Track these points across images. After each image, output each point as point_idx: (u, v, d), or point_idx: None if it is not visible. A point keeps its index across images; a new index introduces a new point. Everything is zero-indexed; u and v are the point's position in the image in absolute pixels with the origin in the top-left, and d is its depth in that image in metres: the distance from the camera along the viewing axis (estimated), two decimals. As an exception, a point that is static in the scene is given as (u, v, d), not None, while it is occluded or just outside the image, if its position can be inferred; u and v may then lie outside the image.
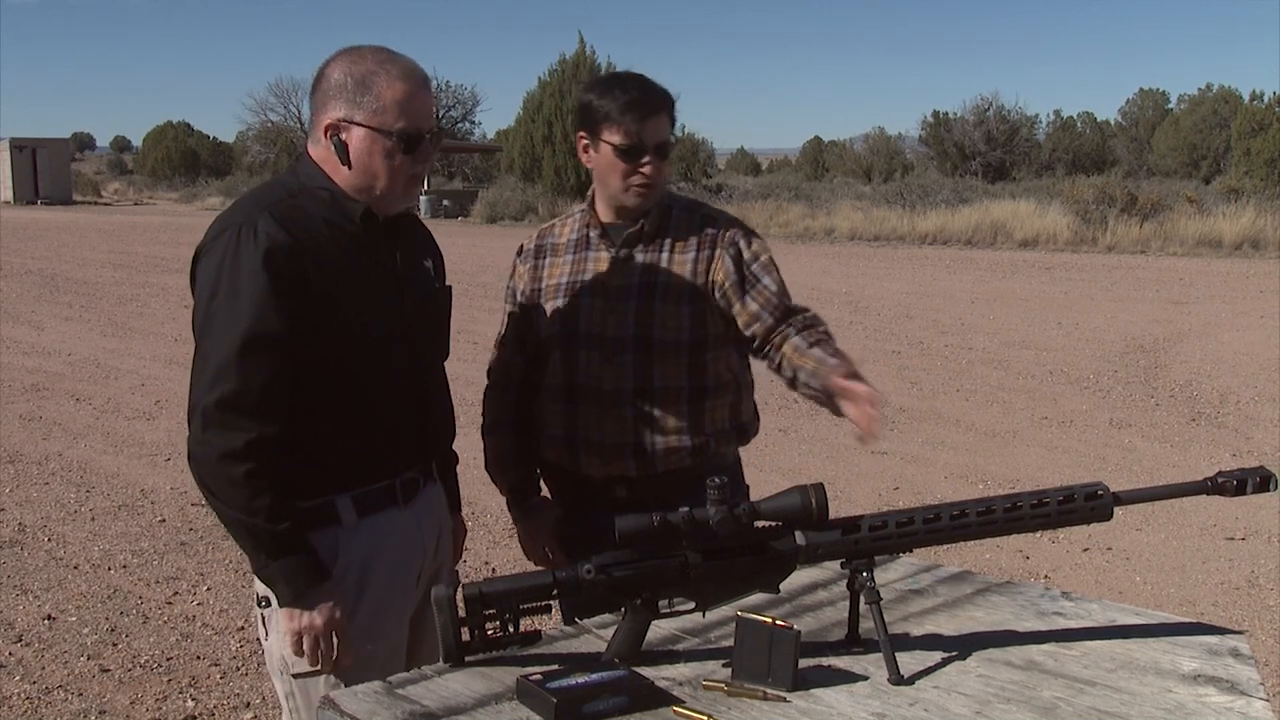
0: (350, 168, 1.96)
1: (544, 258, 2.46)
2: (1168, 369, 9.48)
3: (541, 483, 2.52)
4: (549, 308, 2.40)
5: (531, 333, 2.44)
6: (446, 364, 2.24)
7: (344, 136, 1.95)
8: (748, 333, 2.31)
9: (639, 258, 2.35)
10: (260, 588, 2.03)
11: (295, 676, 1.99)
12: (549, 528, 2.45)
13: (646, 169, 2.29)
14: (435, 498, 2.19)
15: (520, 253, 2.52)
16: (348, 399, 1.97)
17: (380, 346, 2.00)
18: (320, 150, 1.99)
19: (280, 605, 1.93)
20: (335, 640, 1.93)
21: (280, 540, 1.87)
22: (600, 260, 2.37)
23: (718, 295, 2.33)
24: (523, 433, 2.47)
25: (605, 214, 2.39)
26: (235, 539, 1.94)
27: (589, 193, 2.43)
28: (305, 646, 1.92)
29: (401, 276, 2.06)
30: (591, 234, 2.40)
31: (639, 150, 2.28)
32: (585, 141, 2.36)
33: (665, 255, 2.35)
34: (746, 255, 2.35)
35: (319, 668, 1.95)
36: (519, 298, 2.48)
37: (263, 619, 2.03)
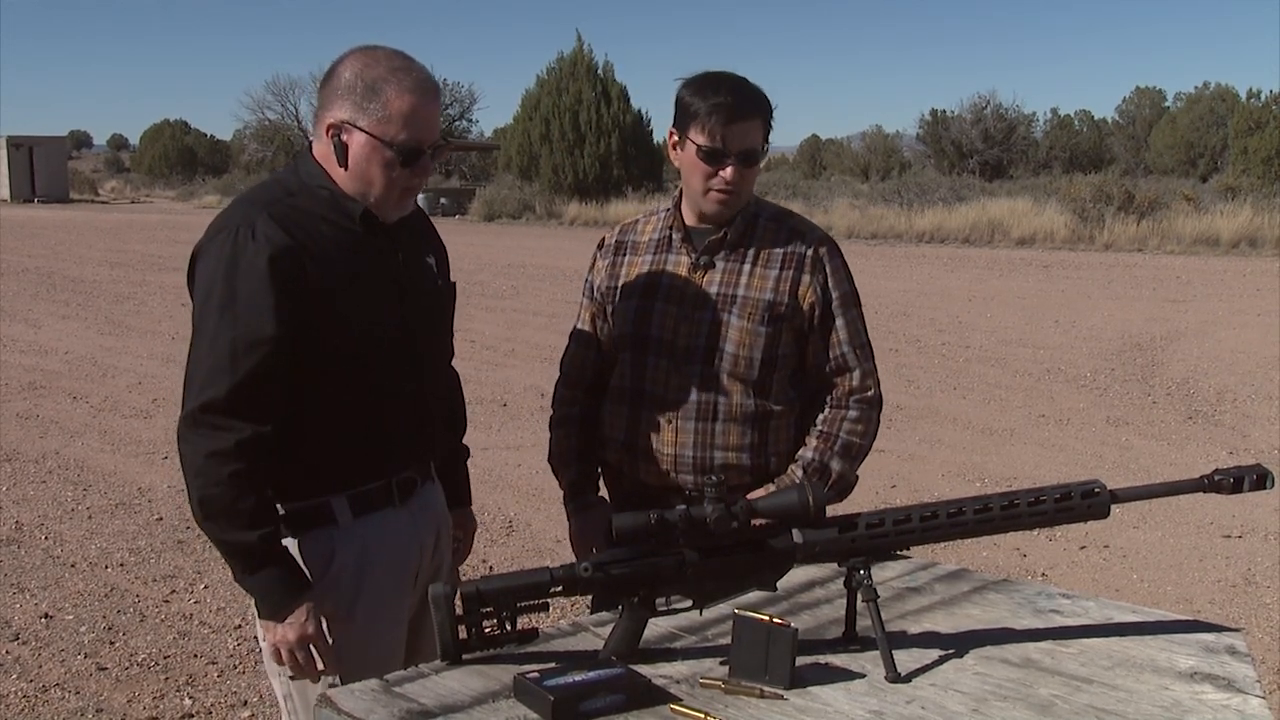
0: (347, 170, 1.95)
1: (624, 254, 2.41)
2: (1165, 367, 9.49)
3: (601, 482, 2.49)
4: (623, 307, 2.36)
5: (606, 330, 2.42)
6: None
7: (345, 138, 1.93)
8: (810, 363, 2.34)
9: (719, 266, 2.30)
10: None
11: (293, 678, 1.99)
12: (602, 529, 2.38)
13: (727, 174, 2.22)
14: (433, 497, 2.18)
15: (601, 246, 2.48)
16: (345, 398, 1.96)
17: (378, 346, 1.99)
18: (322, 148, 1.98)
19: (259, 617, 1.94)
20: (314, 652, 1.94)
21: (259, 551, 1.88)
22: (679, 265, 2.32)
23: (801, 320, 2.30)
24: (588, 430, 2.44)
25: (689, 216, 2.34)
26: (216, 547, 1.95)
27: (677, 192, 2.39)
28: (284, 658, 1.94)
29: (402, 275, 2.05)
30: (674, 236, 2.34)
31: (720, 154, 2.21)
32: (674, 139, 2.30)
33: (747, 268, 2.29)
34: (832, 283, 2.32)
35: (303, 677, 1.97)
36: (595, 294, 2.44)
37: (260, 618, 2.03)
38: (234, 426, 1.84)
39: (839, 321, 2.32)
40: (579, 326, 2.48)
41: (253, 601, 2.03)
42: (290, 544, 1.98)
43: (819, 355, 2.32)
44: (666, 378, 2.29)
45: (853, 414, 2.32)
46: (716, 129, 2.20)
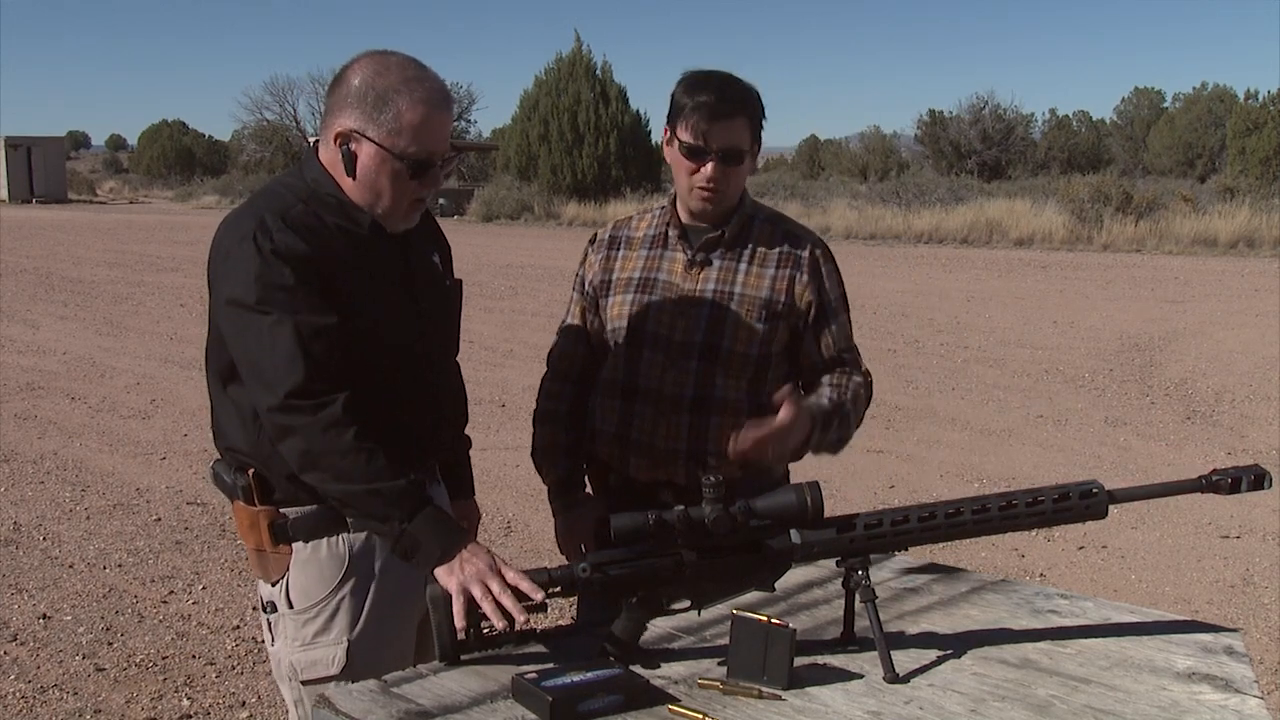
0: (355, 180, 1.92)
1: (618, 249, 2.42)
2: (1163, 367, 9.50)
3: (586, 479, 2.47)
4: (617, 302, 2.36)
5: (597, 325, 2.41)
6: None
7: (354, 148, 1.90)
8: (804, 362, 2.33)
9: (715, 264, 2.31)
10: (265, 593, 2.02)
11: (305, 683, 1.98)
12: (589, 527, 2.38)
13: (708, 171, 2.23)
14: (440, 499, 2.18)
15: (593, 242, 2.48)
16: (362, 403, 1.94)
17: (395, 349, 1.98)
18: (329, 154, 1.95)
19: (431, 568, 1.75)
20: (508, 576, 1.70)
21: (410, 496, 1.80)
22: (675, 261, 2.33)
23: (796, 318, 2.30)
24: (576, 426, 2.43)
25: (685, 214, 2.35)
26: (364, 516, 1.85)
27: (673, 189, 2.39)
28: (479, 596, 1.69)
29: (415, 280, 2.05)
30: (670, 233, 2.35)
31: (702, 152, 2.22)
32: (668, 135, 2.31)
33: (743, 266, 2.30)
34: (828, 284, 2.33)
35: (504, 623, 1.67)
36: (587, 288, 2.44)
37: (269, 624, 2.02)
38: (331, 396, 1.80)
39: (833, 325, 2.33)
40: (568, 321, 2.48)
41: (263, 609, 2.02)
42: (307, 547, 1.96)
43: (812, 355, 2.33)
44: (662, 372, 2.29)
45: (857, 379, 2.32)
46: (699, 126, 2.21)
